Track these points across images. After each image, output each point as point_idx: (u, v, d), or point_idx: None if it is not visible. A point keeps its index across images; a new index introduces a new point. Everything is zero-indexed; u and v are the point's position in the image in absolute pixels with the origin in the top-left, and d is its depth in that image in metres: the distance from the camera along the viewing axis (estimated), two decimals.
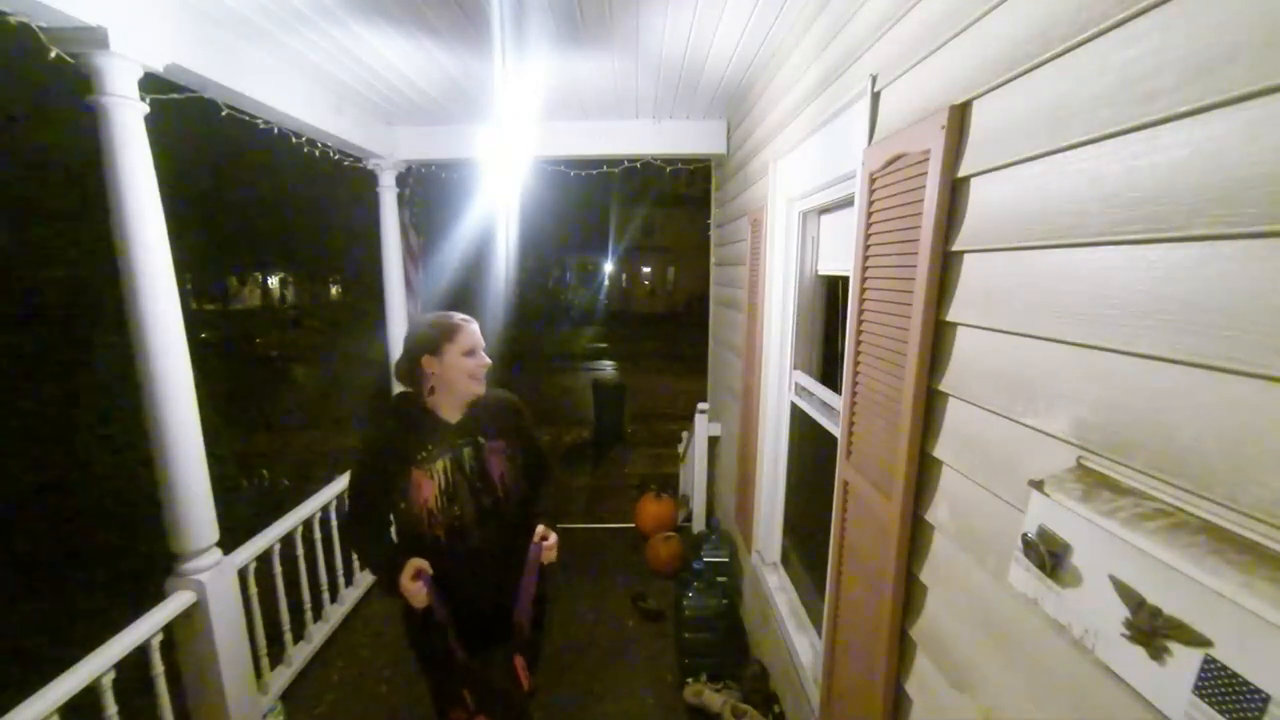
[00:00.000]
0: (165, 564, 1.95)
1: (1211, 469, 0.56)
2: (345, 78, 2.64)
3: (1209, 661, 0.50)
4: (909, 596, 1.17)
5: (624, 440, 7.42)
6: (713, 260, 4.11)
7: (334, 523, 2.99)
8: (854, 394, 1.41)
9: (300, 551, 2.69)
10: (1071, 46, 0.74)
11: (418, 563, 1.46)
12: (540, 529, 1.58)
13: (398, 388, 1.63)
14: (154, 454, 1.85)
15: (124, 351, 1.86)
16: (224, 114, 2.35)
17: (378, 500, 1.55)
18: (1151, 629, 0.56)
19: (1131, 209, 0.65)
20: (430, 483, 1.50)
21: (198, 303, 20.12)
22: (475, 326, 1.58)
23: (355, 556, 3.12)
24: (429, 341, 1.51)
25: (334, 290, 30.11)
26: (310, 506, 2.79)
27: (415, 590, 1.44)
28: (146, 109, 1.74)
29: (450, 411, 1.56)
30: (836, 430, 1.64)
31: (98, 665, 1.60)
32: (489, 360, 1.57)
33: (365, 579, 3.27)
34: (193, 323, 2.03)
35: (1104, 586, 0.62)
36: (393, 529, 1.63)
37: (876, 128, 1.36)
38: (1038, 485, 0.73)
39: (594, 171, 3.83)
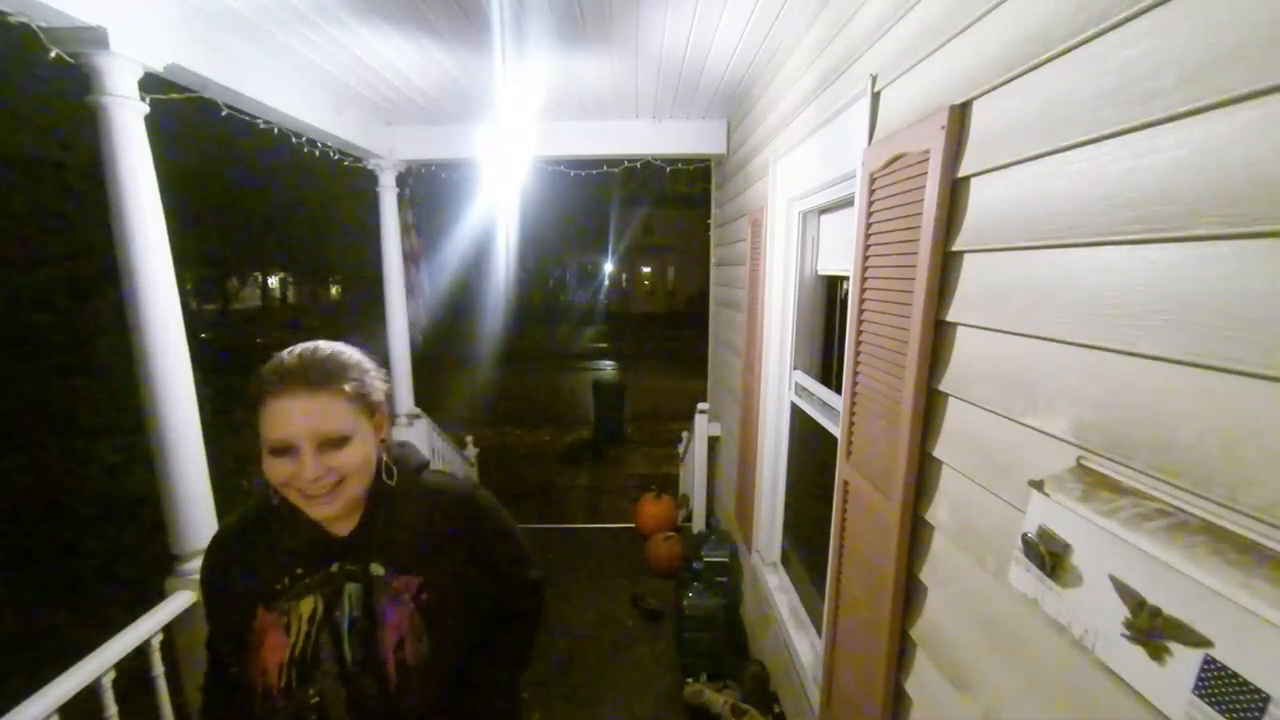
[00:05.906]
0: (164, 564, 1.95)
1: (1211, 469, 0.56)
2: (345, 78, 2.64)
3: (1209, 661, 0.50)
4: (909, 596, 1.17)
5: (624, 440, 7.42)
6: (713, 260, 4.11)
7: None
8: (854, 394, 1.41)
9: None
10: (1071, 46, 0.74)
11: None
12: None
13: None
14: (154, 454, 1.85)
15: (124, 351, 1.86)
16: (224, 114, 2.36)
17: (227, 649, 0.88)
18: (1151, 629, 0.56)
19: (1131, 209, 0.65)
20: (282, 638, 0.83)
21: (198, 303, 20.12)
22: (291, 404, 0.75)
23: None
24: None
25: (334, 290, 30.12)
26: None
27: None
28: (147, 109, 1.74)
29: (336, 518, 0.84)
30: (836, 430, 1.64)
31: (98, 665, 1.59)
32: (322, 472, 0.76)
33: None
34: (193, 323, 2.03)
35: (1104, 586, 0.62)
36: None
37: (876, 128, 1.36)
38: (1038, 485, 0.73)
39: (594, 171, 3.84)
